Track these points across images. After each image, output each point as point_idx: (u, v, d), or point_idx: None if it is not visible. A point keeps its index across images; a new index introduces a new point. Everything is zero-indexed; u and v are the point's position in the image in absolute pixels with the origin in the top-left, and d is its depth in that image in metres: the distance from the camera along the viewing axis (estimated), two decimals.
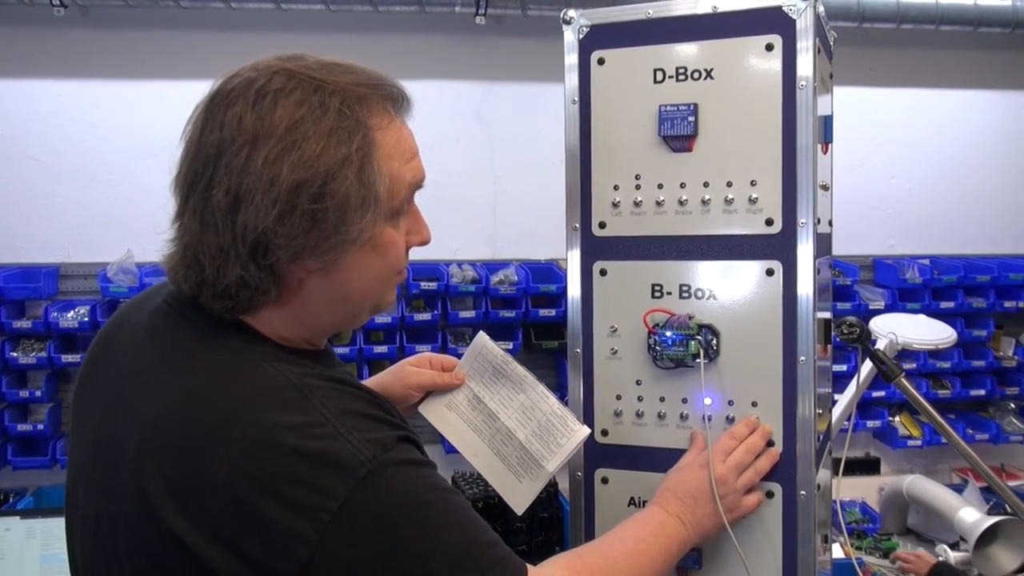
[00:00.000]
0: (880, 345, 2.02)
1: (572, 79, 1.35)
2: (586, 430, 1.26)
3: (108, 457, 0.94)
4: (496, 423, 1.28)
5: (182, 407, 0.90)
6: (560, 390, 3.15)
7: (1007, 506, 2.11)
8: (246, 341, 0.95)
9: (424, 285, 2.98)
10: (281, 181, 0.88)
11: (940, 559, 2.47)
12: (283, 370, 0.92)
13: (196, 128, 0.93)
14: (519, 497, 1.28)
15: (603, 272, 1.36)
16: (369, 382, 1.37)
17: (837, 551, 2.09)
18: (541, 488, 1.27)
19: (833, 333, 1.59)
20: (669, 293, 1.33)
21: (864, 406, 3.24)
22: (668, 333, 1.30)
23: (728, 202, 1.28)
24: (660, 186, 1.32)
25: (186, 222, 0.93)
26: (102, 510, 0.95)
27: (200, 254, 0.92)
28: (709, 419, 1.30)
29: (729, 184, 1.28)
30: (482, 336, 1.32)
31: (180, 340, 0.97)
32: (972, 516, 2.49)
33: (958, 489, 2.92)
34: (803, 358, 1.26)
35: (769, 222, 1.27)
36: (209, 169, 0.90)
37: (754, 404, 1.29)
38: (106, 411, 0.98)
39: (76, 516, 1.01)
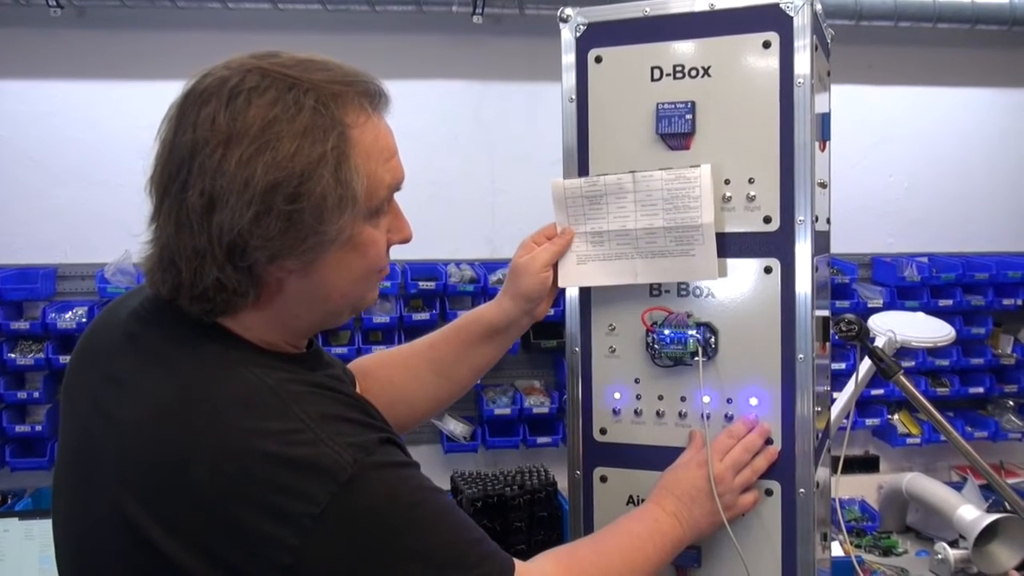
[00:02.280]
0: (879, 343, 2.02)
1: (569, 78, 1.35)
2: (705, 166, 1.25)
3: (87, 465, 0.93)
4: (631, 234, 1.28)
5: (160, 415, 0.89)
6: (559, 389, 3.16)
7: (1006, 504, 2.11)
8: (225, 346, 0.94)
9: (422, 285, 2.97)
10: (256, 182, 0.86)
11: None
12: (262, 376, 0.91)
13: (170, 128, 0.92)
14: (704, 267, 1.27)
15: None
16: (496, 301, 1.35)
17: (836, 549, 2.09)
18: (715, 243, 1.25)
19: (831, 331, 1.59)
20: (667, 291, 1.32)
21: (863, 404, 3.24)
22: (666, 331, 1.30)
23: (726, 200, 1.28)
24: None
25: (161, 224, 0.92)
26: (82, 518, 0.94)
27: (176, 256, 0.91)
28: (707, 417, 1.30)
29: (727, 182, 1.28)
30: (555, 183, 1.33)
31: (158, 346, 0.95)
32: (971, 514, 2.49)
33: (957, 487, 2.91)
34: (801, 356, 1.26)
35: (767, 220, 1.27)
36: (183, 170, 0.89)
37: (752, 402, 1.29)
38: (85, 418, 0.96)
39: (59, 524, 1.00)
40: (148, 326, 0.97)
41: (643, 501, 1.31)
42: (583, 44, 1.34)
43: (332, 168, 0.89)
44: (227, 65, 0.93)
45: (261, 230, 0.87)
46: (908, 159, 3.51)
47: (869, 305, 3.19)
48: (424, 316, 3.01)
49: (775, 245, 1.27)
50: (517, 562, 0.99)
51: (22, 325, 2.88)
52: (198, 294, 0.91)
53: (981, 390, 3.32)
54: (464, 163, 3.22)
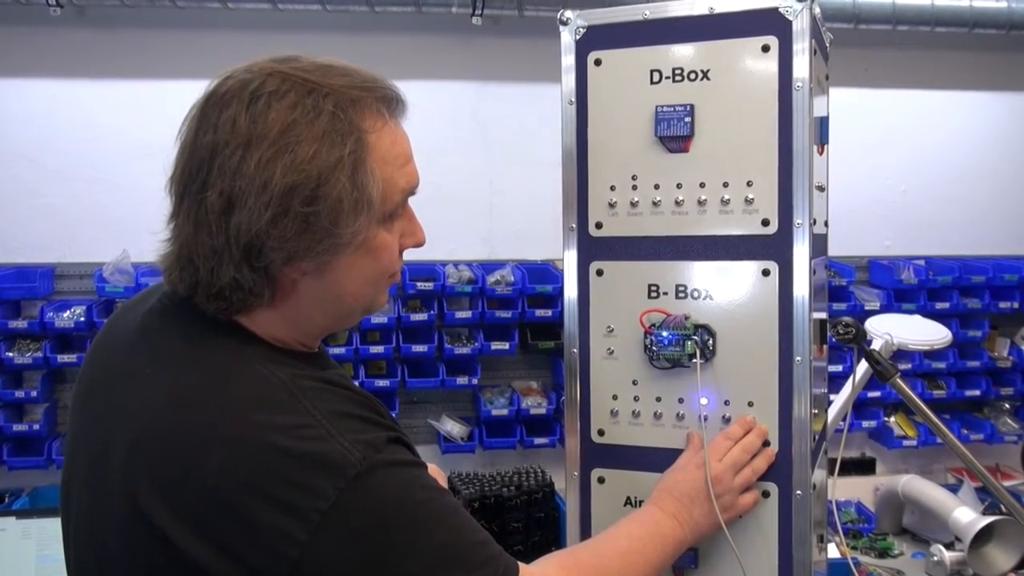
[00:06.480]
0: (875, 345, 2.02)
1: (569, 80, 1.36)
2: None
3: (100, 458, 0.94)
4: None
5: (173, 408, 0.90)
6: (556, 390, 3.16)
7: (1002, 506, 2.12)
8: (239, 342, 0.95)
9: (420, 285, 2.97)
10: (274, 184, 0.88)
11: None
12: (275, 371, 0.92)
13: (191, 129, 0.94)
14: None
15: (599, 272, 1.36)
16: None
17: (833, 551, 2.09)
18: None
19: (829, 333, 1.60)
20: (665, 293, 1.33)
21: (860, 406, 3.24)
22: (664, 333, 1.31)
23: (724, 203, 1.28)
24: (656, 186, 1.32)
25: (180, 223, 0.94)
26: (94, 511, 0.95)
27: (194, 255, 0.92)
28: (705, 419, 1.30)
29: (725, 185, 1.28)
30: None
31: (173, 341, 0.97)
32: (967, 516, 2.49)
33: (953, 489, 2.92)
34: (799, 358, 1.26)
35: (765, 223, 1.27)
36: (203, 171, 0.91)
37: (750, 404, 1.29)
38: (100, 412, 0.98)
39: (70, 517, 1.01)
40: (164, 322, 0.99)
41: (641, 502, 1.32)
42: (583, 46, 1.35)
43: (349, 172, 0.91)
44: (248, 68, 0.94)
45: (278, 231, 0.89)
46: (906, 162, 3.52)
47: (866, 308, 3.20)
48: (422, 317, 3.01)
49: (773, 248, 1.27)
50: (521, 565, 1.00)
51: (20, 324, 2.87)
52: (215, 292, 0.93)
53: (977, 393, 3.32)
54: (462, 164, 3.22)
